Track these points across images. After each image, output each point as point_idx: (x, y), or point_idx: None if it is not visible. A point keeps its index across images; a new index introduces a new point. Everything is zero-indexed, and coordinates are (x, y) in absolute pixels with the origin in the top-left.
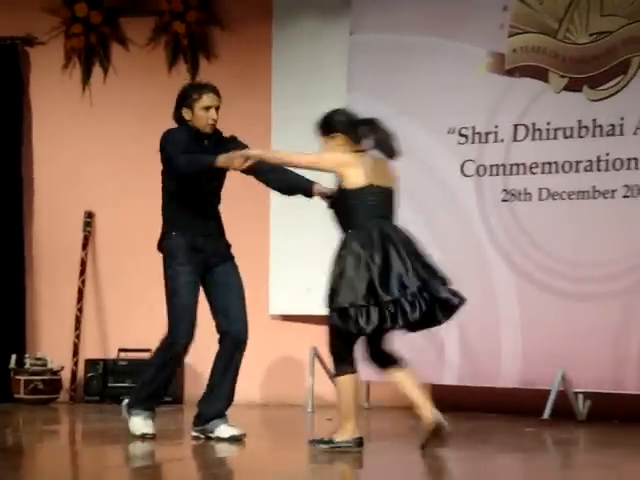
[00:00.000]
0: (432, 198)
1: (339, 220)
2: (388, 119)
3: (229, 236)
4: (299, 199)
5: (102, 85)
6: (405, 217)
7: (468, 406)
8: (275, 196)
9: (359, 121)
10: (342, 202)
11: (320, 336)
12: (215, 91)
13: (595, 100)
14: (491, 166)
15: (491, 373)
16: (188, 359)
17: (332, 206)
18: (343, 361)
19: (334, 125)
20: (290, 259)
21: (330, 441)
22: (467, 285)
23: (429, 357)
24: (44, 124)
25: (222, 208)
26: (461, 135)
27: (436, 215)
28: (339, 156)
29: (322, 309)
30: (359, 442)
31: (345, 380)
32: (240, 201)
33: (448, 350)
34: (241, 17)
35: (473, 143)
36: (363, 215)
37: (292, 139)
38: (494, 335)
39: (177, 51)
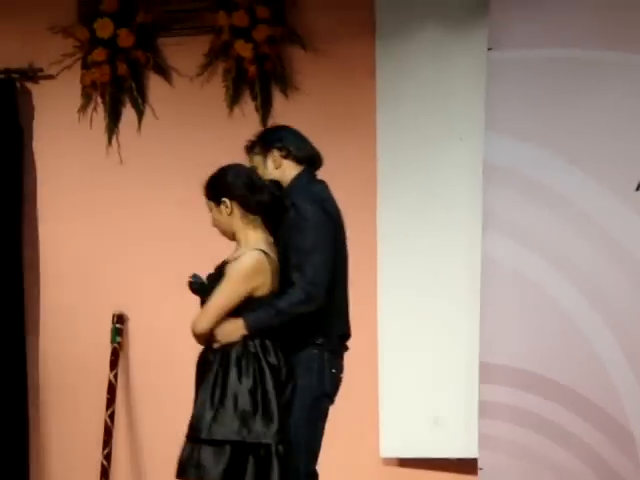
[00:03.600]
0: (616, 287)
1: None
2: (543, 170)
3: None
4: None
5: (136, 134)
6: (577, 316)
7: None
8: (384, 285)
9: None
10: None
11: None
12: None
13: None
14: None
15: None
16: None
17: None
18: None
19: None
20: (407, 377)
21: None
22: None
23: None
24: (53, 190)
25: None
26: None
27: (623, 313)
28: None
29: (456, 449)
30: None
31: None
32: None
33: None
34: (331, 32)
35: None
36: None
37: (402, 193)
38: None
39: (241, 82)
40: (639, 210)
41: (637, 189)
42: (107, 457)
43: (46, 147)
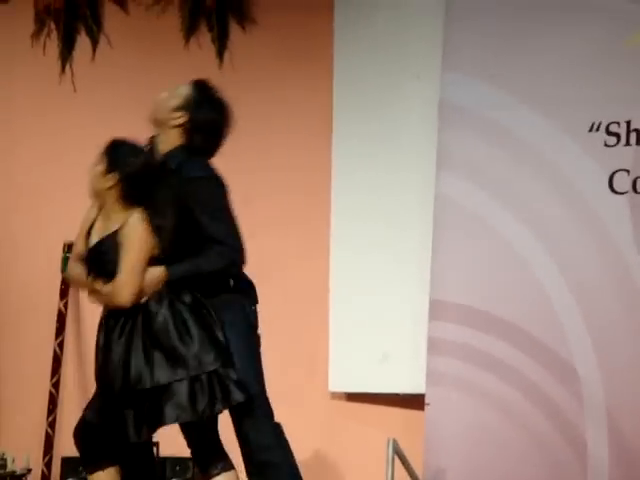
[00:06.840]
0: (566, 227)
1: None
2: (498, 110)
3: (272, 281)
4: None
5: (89, 63)
6: (527, 255)
7: None
8: (336, 221)
9: None
10: None
11: (401, 424)
12: None
13: None
14: None
15: None
16: None
17: None
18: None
19: None
20: (357, 313)
21: None
22: (619, 359)
23: (567, 458)
24: (4, 116)
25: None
26: (609, 134)
27: (573, 252)
28: None
29: (403, 385)
30: None
31: None
32: (293, 230)
33: (592, 449)
34: None
35: (628, 145)
36: None
37: (358, 129)
38: None
39: (197, 13)
40: (591, 151)
41: (590, 130)
42: (55, 385)
43: None
